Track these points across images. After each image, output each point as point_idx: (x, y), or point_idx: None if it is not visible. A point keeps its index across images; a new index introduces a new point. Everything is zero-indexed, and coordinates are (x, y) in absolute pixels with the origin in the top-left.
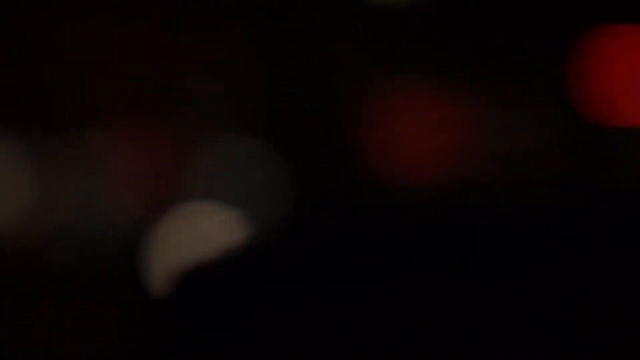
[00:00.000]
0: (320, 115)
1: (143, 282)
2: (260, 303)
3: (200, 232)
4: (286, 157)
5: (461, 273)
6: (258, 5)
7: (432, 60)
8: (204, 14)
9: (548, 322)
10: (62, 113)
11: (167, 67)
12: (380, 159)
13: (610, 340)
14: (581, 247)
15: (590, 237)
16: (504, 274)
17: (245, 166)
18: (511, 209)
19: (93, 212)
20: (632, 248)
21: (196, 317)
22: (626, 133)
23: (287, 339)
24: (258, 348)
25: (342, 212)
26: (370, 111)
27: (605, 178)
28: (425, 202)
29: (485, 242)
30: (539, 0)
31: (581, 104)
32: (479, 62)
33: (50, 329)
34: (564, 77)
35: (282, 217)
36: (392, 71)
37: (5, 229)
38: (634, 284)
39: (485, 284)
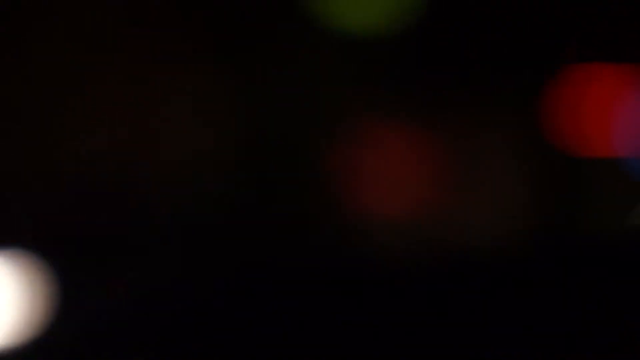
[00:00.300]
0: (292, 151)
1: None
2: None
3: None
4: (255, 192)
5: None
6: (227, 43)
7: (407, 94)
8: (173, 50)
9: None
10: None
11: (134, 105)
12: (352, 195)
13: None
14: (555, 284)
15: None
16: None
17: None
18: (482, 244)
19: None
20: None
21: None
22: (598, 164)
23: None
24: None
25: (311, 251)
26: (343, 147)
27: (580, 210)
28: (398, 241)
29: (460, 280)
30: (513, 37)
31: (555, 136)
32: (453, 96)
33: None
34: (538, 111)
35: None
36: (364, 106)
37: None
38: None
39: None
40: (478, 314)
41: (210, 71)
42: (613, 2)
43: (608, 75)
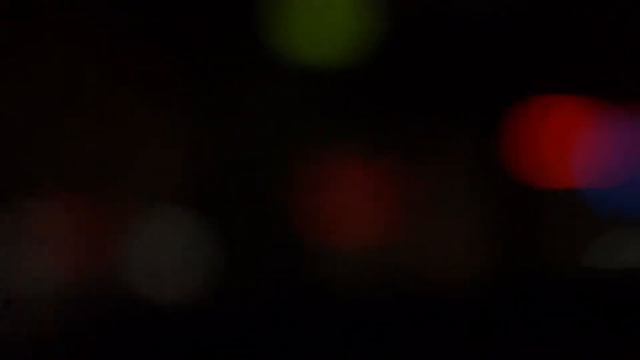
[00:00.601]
0: (250, 181)
1: None
2: None
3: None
4: (215, 224)
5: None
6: (186, 71)
7: (362, 123)
8: (131, 76)
9: None
10: None
11: (94, 134)
12: (309, 224)
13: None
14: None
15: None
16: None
17: (174, 234)
18: (442, 278)
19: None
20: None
21: None
22: (557, 195)
23: None
24: None
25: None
26: (299, 176)
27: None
28: (352, 271)
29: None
30: (472, 70)
31: (513, 168)
32: (409, 127)
33: None
34: (497, 143)
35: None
36: (319, 136)
37: None
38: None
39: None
40: (434, 344)
41: (174, 101)
42: (570, 37)
43: (566, 107)
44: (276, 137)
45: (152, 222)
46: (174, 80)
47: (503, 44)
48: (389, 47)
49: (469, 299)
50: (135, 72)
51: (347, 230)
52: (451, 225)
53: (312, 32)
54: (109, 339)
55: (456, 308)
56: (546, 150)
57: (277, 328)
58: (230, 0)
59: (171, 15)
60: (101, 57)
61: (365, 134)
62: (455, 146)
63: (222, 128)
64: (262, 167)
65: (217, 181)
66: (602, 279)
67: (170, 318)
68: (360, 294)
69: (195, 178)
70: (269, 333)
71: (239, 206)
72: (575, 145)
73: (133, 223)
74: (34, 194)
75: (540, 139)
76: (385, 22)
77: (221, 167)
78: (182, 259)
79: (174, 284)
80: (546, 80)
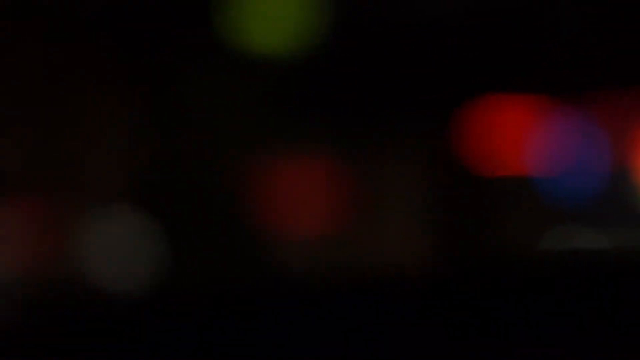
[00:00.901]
0: (200, 178)
1: None
2: None
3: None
4: (165, 219)
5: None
6: (135, 67)
7: (311, 117)
8: (81, 76)
9: None
10: None
11: (44, 131)
12: (259, 217)
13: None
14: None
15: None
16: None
17: (121, 233)
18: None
19: None
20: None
21: None
22: (509, 184)
23: None
24: None
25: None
26: (249, 172)
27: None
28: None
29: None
30: (419, 60)
31: (465, 158)
32: (360, 119)
33: None
34: (449, 135)
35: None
36: (272, 127)
37: None
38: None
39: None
40: (384, 336)
41: (121, 97)
42: (522, 39)
43: (515, 103)
44: (225, 131)
45: (103, 218)
46: (119, 75)
47: (454, 37)
48: (339, 41)
49: (420, 288)
50: (79, 67)
51: (295, 222)
52: (402, 216)
53: (264, 23)
54: (57, 334)
55: (406, 298)
56: (497, 144)
57: (228, 321)
58: None
59: (118, 7)
60: (44, 54)
61: (315, 126)
62: (406, 137)
63: (170, 122)
64: (210, 160)
65: (167, 176)
66: (553, 268)
67: (124, 312)
68: (313, 285)
69: (144, 174)
70: (220, 326)
71: (188, 200)
72: (525, 139)
73: (82, 221)
74: None
75: (491, 133)
76: (335, 17)
77: (170, 162)
78: (132, 254)
79: (126, 279)
80: (495, 77)
